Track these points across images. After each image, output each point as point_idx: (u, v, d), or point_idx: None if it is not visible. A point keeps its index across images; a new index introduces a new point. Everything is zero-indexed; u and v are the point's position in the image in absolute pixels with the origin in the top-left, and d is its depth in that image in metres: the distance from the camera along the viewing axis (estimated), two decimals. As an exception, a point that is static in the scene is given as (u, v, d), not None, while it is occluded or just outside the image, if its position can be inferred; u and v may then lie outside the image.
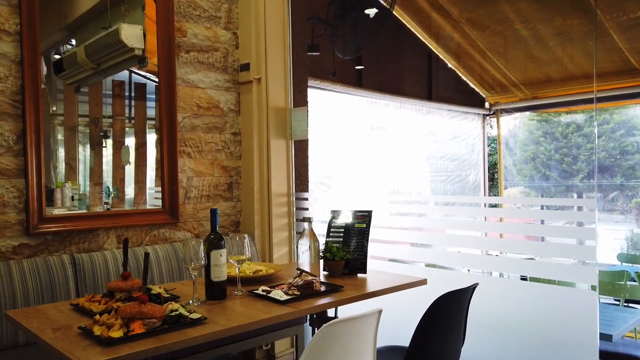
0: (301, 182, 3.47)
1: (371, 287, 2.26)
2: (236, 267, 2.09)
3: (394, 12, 4.62)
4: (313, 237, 2.34)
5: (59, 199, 2.86)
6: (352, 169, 5.86)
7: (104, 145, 3.23)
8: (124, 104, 3.27)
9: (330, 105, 4.88)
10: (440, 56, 6.33)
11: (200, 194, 3.14)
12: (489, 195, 8.15)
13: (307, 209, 3.45)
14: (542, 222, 5.60)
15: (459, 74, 6.69)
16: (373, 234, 3.14)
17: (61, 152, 3.02)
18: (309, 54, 3.60)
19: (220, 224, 3.23)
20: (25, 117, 2.47)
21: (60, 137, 3.06)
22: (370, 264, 3.02)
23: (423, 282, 2.36)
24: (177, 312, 1.68)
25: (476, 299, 2.23)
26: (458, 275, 3.33)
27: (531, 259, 3.33)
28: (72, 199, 2.96)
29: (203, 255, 1.94)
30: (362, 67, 5.01)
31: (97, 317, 1.59)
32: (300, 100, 3.47)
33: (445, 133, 6.98)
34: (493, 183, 8.88)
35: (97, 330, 1.53)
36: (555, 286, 2.59)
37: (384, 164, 6.24)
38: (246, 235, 2.09)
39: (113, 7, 3.08)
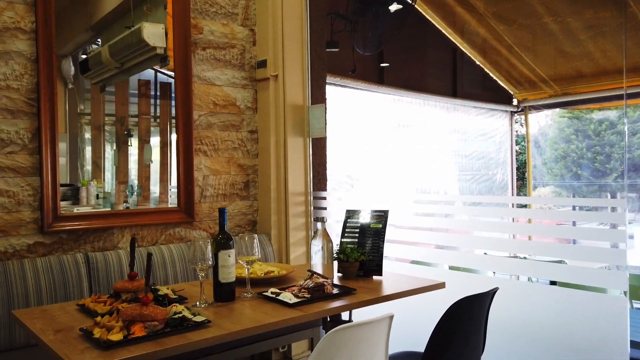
0: (319, 181, 3.39)
1: (386, 290, 2.16)
2: (245, 268, 2.02)
3: (416, 7, 4.50)
4: (326, 237, 2.26)
5: (84, 198, 2.87)
6: (375, 167, 5.76)
7: (129, 144, 3.24)
8: (149, 103, 3.27)
9: (351, 102, 4.78)
10: (466, 52, 6.14)
11: (216, 192, 3.10)
12: (518, 195, 7.91)
13: (325, 209, 3.37)
14: (574, 223, 5.38)
15: (485, 69, 6.49)
16: (395, 235, 3.04)
17: (88, 151, 3.04)
18: (327, 50, 3.51)
19: (237, 224, 3.18)
20: (40, 115, 2.47)
21: (87, 136, 3.08)
22: (391, 266, 2.93)
23: (441, 285, 2.25)
24: (180, 315, 1.62)
25: (501, 304, 2.11)
26: (483, 278, 3.20)
27: (561, 262, 3.17)
28: (97, 197, 2.96)
29: (210, 255, 1.89)
30: (385, 63, 4.89)
31: (98, 318, 1.55)
32: (319, 97, 3.39)
33: (471, 131, 6.79)
34: (523, 183, 8.62)
35: (96, 333, 1.49)
36: (585, 292, 2.45)
37: (408, 163, 6.11)
38: (256, 235, 2.03)
39: (136, 7, 3.07)
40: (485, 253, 3.88)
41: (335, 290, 2.03)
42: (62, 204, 2.72)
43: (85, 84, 3.10)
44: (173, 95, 3.04)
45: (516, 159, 7.81)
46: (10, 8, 2.40)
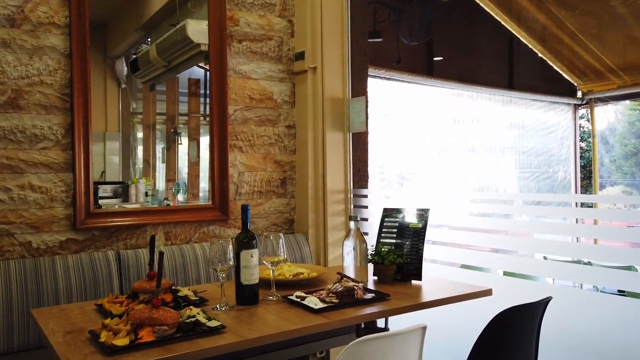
0: (360, 178, 3.23)
1: (425, 296, 1.98)
2: (270, 269, 1.90)
3: (467, -7, 4.23)
4: (360, 237, 2.10)
5: (133, 195, 2.88)
6: (427, 165, 5.51)
7: (179, 142, 3.23)
8: (199, 101, 3.24)
9: (398, 96, 4.57)
10: (523, 40, 5.74)
11: (252, 190, 3.00)
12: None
13: (366, 207, 3.20)
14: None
15: (545, 59, 6.05)
16: (447, 236, 2.83)
17: (140, 150, 3.07)
18: (370, 40, 3.34)
19: (273, 222, 3.07)
20: (73, 110, 2.45)
21: (139, 135, 3.08)
22: (438, 270, 2.73)
23: (487, 292, 2.04)
24: (193, 319, 1.51)
25: (561, 315, 1.88)
26: (541, 286, 2.90)
27: (630, 268, 2.84)
28: (146, 194, 2.96)
29: (232, 255, 1.77)
30: (434, 54, 4.63)
31: (107, 321, 1.47)
32: (360, 90, 3.23)
33: (529, 125, 6.37)
34: (589, 182, 8.04)
35: (103, 337, 1.40)
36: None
37: (462, 160, 5.81)
38: (281, 234, 1.90)
39: (181, 4, 3.06)
40: (545, 257, 3.57)
41: (366, 296, 1.86)
42: (112, 201, 2.74)
43: (137, 83, 3.14)
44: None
45: (581, 156, 7.28)
46: (44, 3, 2.39)
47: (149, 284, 1.79)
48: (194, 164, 3.18)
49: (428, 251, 2.83)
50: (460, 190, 5.50)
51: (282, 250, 1.88)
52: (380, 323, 2.24)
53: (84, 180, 2.48)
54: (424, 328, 1.50)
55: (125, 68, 3.02)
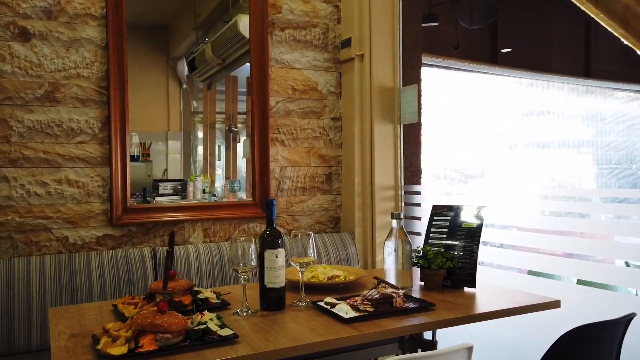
0: (412, 174, 2.96)
1: (477, 307, 1.70)
2: (299, 271, 1.70)
3: (535, -29, 3.81)
4: (402, 237, 1.85)
5: (191, 192, 2.84)
6: (492, 160, 5.10)
7: (237, 140, 3.18)
8: None
9: (456, 86, 4.22)
10: (602, 23, 5.18)
11: (294, 185, 2.82)
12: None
13: (419, 205, 2.92)
14: None
15: (627, 43, 5.44)
16: (513, 238, 2.52)
17: (199, 148, 3.05)
18: (424, 25, 3.06)
19: (318, 220, 2.87)
20: (110, 103, 2.37)
21: (199, 133, 3.08)
22: (499, 276, 2.42)
23: (554, 304, 1.73)
24: (204, 326, 1.34)
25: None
26: (622, 298, 2.48)
27: None
28: (204, 191, 2.91)
29: (254, 255, 1.59)
30: (498, 39, 4.22)
31: (109, 325, 1.32)
32: (412, 78, 2.96)
33: (609, 117, 5.75)
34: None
35: (101, 343, 1.26)
36: None
37: (530, 155, 5.34)
38: (311, 233, 1.69)
39: (235, 1, 2.97)
40: (627, 264, 3.11)
41: (407, 304, 1.62)
42: (172, 198, 2.72)
43: (198, 84, 3.11)
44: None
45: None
46: (81, -5, 2.34)
47: (168, 284, 1.64)
48: (248, 161, 3.11)
49: (492, 255, 2.52)
50: (530, 187, 5.04)
51: (311, 250, 1.68)
52: (428, 334, 1.98)
53: (121, 174, 2.40)
54: (470, 348, 1.24)
55: (186, 68, 2.98)
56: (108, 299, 2.17)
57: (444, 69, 3.75)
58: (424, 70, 3.07)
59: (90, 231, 2.35)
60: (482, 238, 2.52)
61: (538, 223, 2.43)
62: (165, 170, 2.86)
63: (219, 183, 3.03)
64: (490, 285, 1.97)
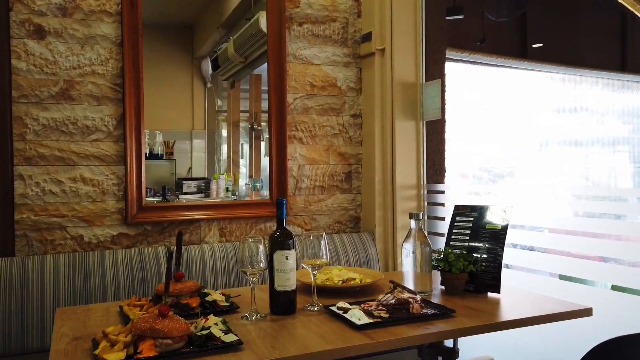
0: (435, 172, 2.85)
1: (501, 314, 1.59)
2: (311, 274, 1.62)
3: (567, -40, 3.62)
4: (421, 238, 1.75)
5: (214, 190, 2.82)
6: (523, 159, 4.91)
7: (261, 139, 3.15)
8: None
9: (484, 81, 4.06)
10: (638, 14, 4.92)
11: (312, 184, 2.74)
12: None
13: (442, 205, 2.81)
14: None
15: (667, 35, 5.16)
16: (544, 240, 2.39)
17: (224, 147, 3.03)
18: (448, 18, 2.94)
19: (337, 220, 2.79)
20: (125, 101, 2.34)
21: (223, 132, 3.06)
22: (528, 280, 2.29)
23: (585, 312, 1.60)
24: (207, 331, 1.28)
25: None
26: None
27: None
28: (227, 190, 2.89)
29: (263, 257, 1.52)
30: (527, 33, 4.03)
31: (109, 329, 1.27)
32: (436, 73, 2.85)
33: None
34: None
35: (100, 348, 1.21)
36: None
37: (563, 154, 5.13)
38: (324, 234, 1.61)
39: None
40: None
41: (425, 310, 1.52)
42: (195, 196, 2.70)
43: (222, 82, 3.09)
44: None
45: None
46: (96, -9, 2.31)
47: (175, 286, 1.59)
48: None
49: (521, 258, 2.39)
50: (561, 187, 4.83)
51: (324, 252, 1.60)
52: (449, 341, 1.88)
53: (136, 172, 2.37)
54: (490, 360, 1.14)
55: (210, 67, 2.97)
56: (122, 299, 2.14)
57: (470, 64, 3.61)
58: (449, 65, 2.95)
59: (105, 230, 2.32)
60: (511, 240, 2.41)
61: (571, 224, 2.29)
62: (190, 168, 2.84)
63: (243, 182, 3.00)
64: (516, 291, 1.85)
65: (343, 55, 2.82)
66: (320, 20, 2.77)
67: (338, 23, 2.81)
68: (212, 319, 1.33)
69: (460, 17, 2.94)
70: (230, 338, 1.27)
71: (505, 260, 1.83)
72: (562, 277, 2.42)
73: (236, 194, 2.88)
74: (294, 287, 1.56)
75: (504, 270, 1.80)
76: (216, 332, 1.28)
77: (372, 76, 2.76)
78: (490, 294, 1.77)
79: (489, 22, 3.35)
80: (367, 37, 2.79)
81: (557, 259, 2.26)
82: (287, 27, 2.68)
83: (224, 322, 1.35)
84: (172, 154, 2.78)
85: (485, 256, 1.82)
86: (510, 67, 4.15)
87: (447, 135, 3.00)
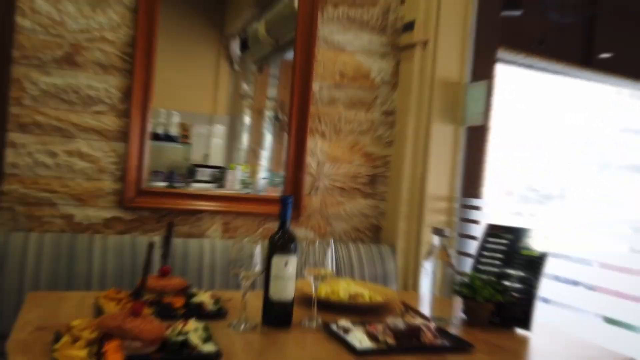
0: (471, 185, 2.73)
1: (530, 355, 1.49)
2: (312, 285, 1.55)
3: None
4: (445, 258, 1.66)
5: (229, 181, 2.79)
6: (576, 180, 4.73)
7: (285, 130, 3.11)
8: None
9: (538, 88, 3.91)
10: None
11: (332, 184, 2.67)
12: None
13: (476, 222, 2.70)
14: None
15: None
16: (590, 275, 2.26)
17: (245, 135, 3.01)
18: (504, 13, 2.83)
19: (355, 226, 2.71)
20: (134, 73, 2.32)
21: (247, 119, 3.04)
22: (567, 319, 2.16)
23: (628, 364, 1.49)
24: (183, 338, 1.22)
25: None
26: None
27: None
28: (243, 182, 2.87)
29: (259, 260, 1.46)
30: (594, 38, 3.84)
31: (75, 322, 1.23)
32: (483, 74, 2.73)
33: None
34: None
35: (61, 342, 1.16)
36: None
37: (624, 178, 4.92)
38: (331, 240, 1.54)
39: None
40: None
41: (439, 340, 1.43)
42: (208, 185, 2.69)
43: (250, 65, 3.06)
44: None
45: None
46: (114, -50, 2.29)
47: (158, 282, 1.54)
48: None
49: (562, 292, 2.26)
50: (622, 218, 4.63)
51: (330, 261, 1.52)
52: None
53: (138, 152, 2.34)
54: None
55: (238, 49, 2.94)
56: (107, 289, 2.10)
57: (524, 67, 3.46)
58: (499, 67, 2.83)
59: (98, 211, 2.30)
60: (553, 270, 2.28)
61: (626, 260, 2.16)
62: (207, 155, 2.80)
63: (262, 175, 2.96)
64: (550, 329, 1.74)
65: (380, 45, 2.74)
66: (358, 3, 2.69)
67: (378, 8, 2.73)
68: (193, 323, 1.27)
69: (518, 13, 2.80)
70: (208, 348, 1.21)
71: (542, 293, 1.72)
72: (608, 321, 2.29)
73: (252, 187, 2.83)
74: (291, 298, 1.49)
75: (539, 305, 1.70)
76: (194, 339, 1.22)
77: (411, 70, 2.68)
78: (518, 330, 1.67)
79: (551, 21, 3.21)
80: (409, 27, 2.70)
81: (605, 298, 2.12)
82: (320, 7, 2.61)
83: (206, 329, 1.29)
84: (188, 137, 2.75)
85: (517, 286, 1.71)
86: (572, 76, 3.97)
87: (490, 146, 2.88)
